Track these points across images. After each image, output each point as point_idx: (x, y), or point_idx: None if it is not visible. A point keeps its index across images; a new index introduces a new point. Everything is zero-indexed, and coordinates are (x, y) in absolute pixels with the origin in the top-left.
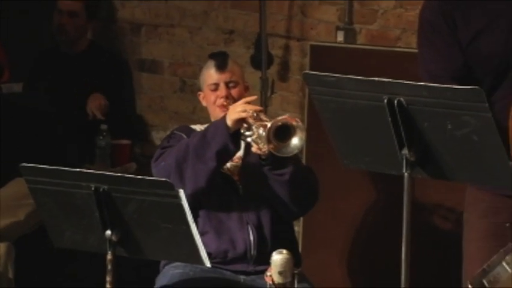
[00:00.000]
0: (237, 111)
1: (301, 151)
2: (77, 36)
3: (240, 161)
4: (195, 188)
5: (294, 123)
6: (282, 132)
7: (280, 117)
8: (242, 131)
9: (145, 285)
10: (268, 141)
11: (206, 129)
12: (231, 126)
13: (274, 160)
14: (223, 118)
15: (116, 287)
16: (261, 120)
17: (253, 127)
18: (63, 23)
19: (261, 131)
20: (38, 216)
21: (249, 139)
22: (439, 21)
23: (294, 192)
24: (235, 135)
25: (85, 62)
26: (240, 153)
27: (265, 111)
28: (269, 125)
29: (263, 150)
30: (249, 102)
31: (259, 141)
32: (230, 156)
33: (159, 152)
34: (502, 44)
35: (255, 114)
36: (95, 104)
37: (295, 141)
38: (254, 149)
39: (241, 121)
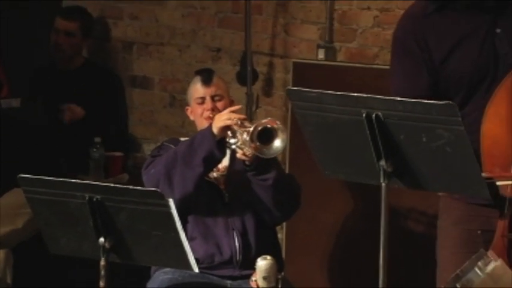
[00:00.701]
0: (222, 119)
1: (284, 162)
2: (73, 54)
3: (226, 171)
4: (183, 193)
5: (275, 125)
6: (265, 135)
7: (262, 121)
8: (227, 138)
9: None
10: (252, 144)
11: (193, 137)
12: (216, 133)
13: (258, 166)
14: (210, 126)
15: None
16: (245, 127)
17: (238, 133)
18: (60, 42)
19: (245, 135)
20: (35, 224)
21: (234, 146)
22: (409, 41)
23: (277, 196)
24: (220, 142)
25: (80, 78)
26: (226, 163)
27: (249, 120)
28: (252, 128)
29: (248, 154)
30: (233, 111)
31: (244, 147)
32: (216, 162)
33: (149, 160)
34: (473, 61)
35: (239, 122)
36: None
37: (277, 143)
38: (239, 154)
39: (226, 128)
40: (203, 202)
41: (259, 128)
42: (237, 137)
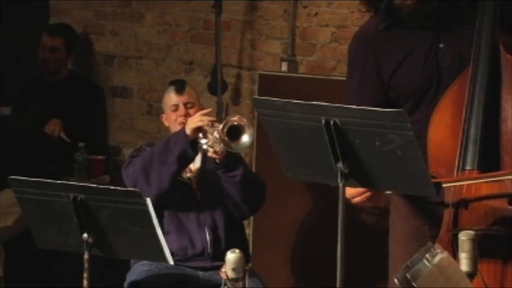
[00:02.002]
0: (194, 121)
1: (251, 163)
2: (58, 67)
3: (198, 172)
4: (160, 189)
5: (242, 122)
6: (234, 132)
7: (231, 118)
8: (199, 139)
9: (117, 281)
10: (222, 140)
11: (168, 138)
12: (189, 134)
13: (227, 163)
14: (183, 128)
15: (92, 284)
16: (215, 126)
17: (209, 133)
18: (46, 57)
19: (215, 134)
20: (24, 221)
21: (205, 146)
22: (359, 57)
23: (244, 192)
24: (193, 142)
25: (65, 88)
26: (198, 165)
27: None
28: (221, 125)
29: (218, 152)
30: (204, 114)
31: (215, 145)
32: (189, 161)
33: (128, 161)
34: (418, 74)
35: (210, 124)
36: (53, 128)
37: (245, 138)
38: (210, 153)
39: (198, 129)
40: (177, 200)
41: (228, 125)
42: (208, 137)
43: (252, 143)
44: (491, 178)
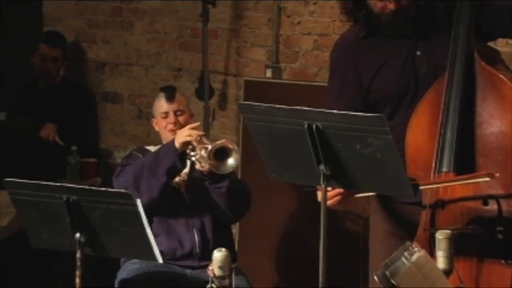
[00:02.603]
0: (183, 135)
1: (237, 167)
2: (56, 75)
3: (186, 177)
4: (149, 199)
5: (231, 146)
6: (221, 153)
7: (219, 141)
8: (187, 151)
9: (108, 279)
10: (209, 161)
11: (158, 150)
12: (178, 147)
13: (214, 176)
14: (173, 141)
15: (84, 281)
16: (203, 143)
17: (197, 149)
18: (48, 67)
19: (203, 152)
20: (18, 222)
21: (193, 158)
22: (340, 64)
23: (230, 202)
24: (182, 155)
25: (59, 94)
26: (186, 170)
27: (207, 135)
28: (210, 147)
29: (205, 168)
30: (193, 128)
31: (202, 161)
32: (178, 173)
33: (119, 169)
34: (396, 80)
35: (198, 138)
36: (48, 132)
37: (231, 161)
38: (197, 166)
39: (187, 144)
40: (166, 203)
41: (216, 148)
42: (196, 151)
43: (236, 166)
44: (465, 181)
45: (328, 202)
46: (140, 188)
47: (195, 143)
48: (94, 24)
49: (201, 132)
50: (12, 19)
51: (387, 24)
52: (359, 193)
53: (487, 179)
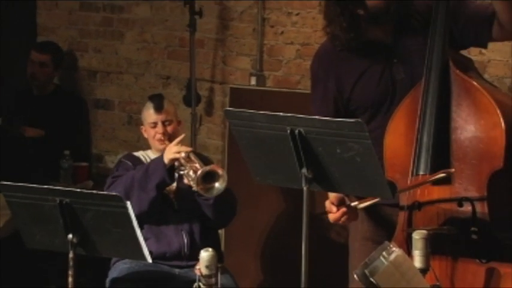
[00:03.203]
0: (172, 152)
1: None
2: (45, 82)
3: (175, 184)
4: (140, 211)
5: (219, 172)
6: (209, 176)
7: (208, 166)
8: (176, 165)
9: (100, 278)
10: (197, 186)
11: (148, 165)
12: (167, 163)
13: None
14: (161, 157)
15: (77, 281)
16: (191, 160)
17: (186, 167)
18: (35, 72)
19: (191, 173)
20: (13, 223)
21: (181, 172)
22: (320, 73)
23: (216, 211)
24: (170, 170)
25: (52, 101)
26: (175, 177)
27: (194, 143)
28: (199, 171)
29: (192, 185)
30: (179, 141)
31: (190, 179)
32: (167, 186)
33: (110, 181)
34: (375, 87)
35: (186, 155)
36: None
37: (217, 185)
38: (185, 181)
39: (175, 160)
40: (156, 210)
41: (205, 172)
42: (184, 166)
43: (223, 190)
44: (428, 180)
45: (341, 220)
46: (131, 201)
47: (182, 160)
48: (86, 34)
49: (189, 149)
50: (8, 29)
51: (373, 16)
52: (347, 194)
53: (444, 175)
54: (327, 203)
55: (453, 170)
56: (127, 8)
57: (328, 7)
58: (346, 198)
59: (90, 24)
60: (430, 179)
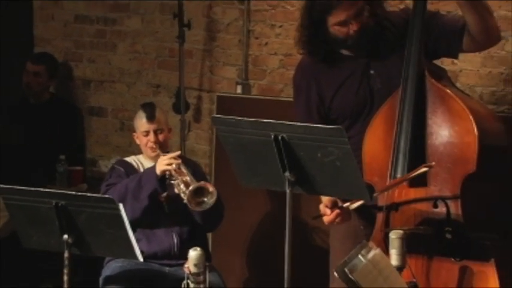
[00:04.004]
0: (163, 163)
1: (210, 173)
2: (40, 91)
3: (166, 191)
4: (133, 219)
5: (210, 189)
6: (199, 191)
7: (199, 183)
8: (167, 176)
9: (93, 276)
10: (189, 202)
11: (141, 175)
12: (159, 174)
13: None
14: (153, 168)
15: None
16: (182, 172)
17: (177, 177)
18: (29, 81)
19: (182, 186)
20: (11, 224)
21: (172, 182)
22: (303, 85)
23: (205, 217)
24: (162, 180)
25: (48, 109)
26: (167, 184)
27: (183, 148)
28: (190, 187)
29: (181, 196)
30: (172, 157)
31: (180, 191)
32: (158, 195)
33: (104, 189)
34: (354, 96)
35: (177, 167)
36: None
37: (207, 200)
38: (176, 191)
39: (166, 171)
40: (149, 216)
41: (195, 188)
42: (175, 176)
43: (212, 205)
44: (410, 175)
45: (336, 221)
46: (125, 209)
47: (173, 172)
48: (80, 45)
49: (179, 161)
50: (5, 40)
51: (353, 45)
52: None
53: (426, 169)
54: (321, 206)
55: (433, 163)
56: (119, 20)
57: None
58: (339, 201)
59: (85, 35)
60: (413, 174)
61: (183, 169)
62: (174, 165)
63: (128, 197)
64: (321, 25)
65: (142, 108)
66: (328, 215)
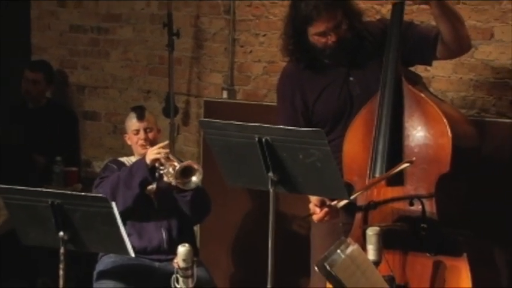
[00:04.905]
0: (153, 153)
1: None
2: (38, 96)
3: (155, 186)
4: (124, 207)
5: (195, 166)
6: (186, 172)
7: (185, 162)
8: (157, 166)
9: (88, 271)
10: (176, 179)
11: (132, 165)
12: (149, 163)
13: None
14: (144, 158)
15: (67, 272)
16: (170, 160)
17: (165, 165)
18: (29, 89)
19: (171, 169)
20: (10, 222)
21: (161, 172)
22: (287, 92)
23: (193, 207)
24: (152, 169)
25: (45, 113)
26: (156, 176)
27: (173, 148)
28: (177, 167)
29: (171, 182)
30: (161, 147)
31: (169, 176)
32: (149, 184)
33: (98, 181)
34: (334, 102)
35: (165, 156)
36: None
37: (194, 179)
38: (165, 179)
39: (156, 160)
40: (138, 209)
41: (182, 167)
42: (164, 166)
43: (199, 183)
44: (391, 172)
45: (325, 219)
46: (117, 198)
47: (163, 160)
48: (75, 53)
49: (167, 150)
50: (5, 48)
51: (330, 55)
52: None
53: (407, 164)
54: (311, 206)
55: (414, 158)
56: (112, 30)
57: (284, 39)
58: (326, 200)
59: (79, 44)
60: (396, 170)
61: (171, 157)
62: (162, 154)
63: (120, 185)
64: (302, 34)
65: (133, 109)
66: (317, 214)
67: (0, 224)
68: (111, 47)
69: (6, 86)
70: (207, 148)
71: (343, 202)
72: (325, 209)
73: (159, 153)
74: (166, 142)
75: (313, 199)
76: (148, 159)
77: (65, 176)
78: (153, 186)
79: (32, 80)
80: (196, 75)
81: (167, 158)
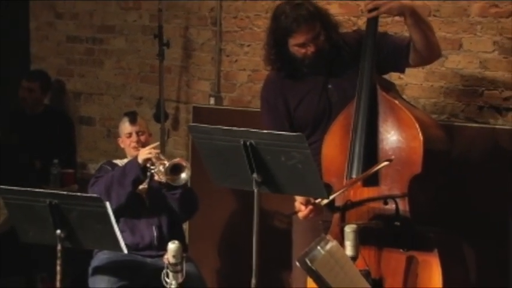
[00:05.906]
0: (145, 153)
1: (188, 179)
2: (35, 104)
3: (147, 186)
4: (118, 205)
5: (184, 163)
6: (175, 169)
7: (174, 159)
8: (148, 165)
9: (83, 267)
10: (166, 176)
11: (125, 165)
12: (141, 163)
13: (169, 184)
14: (136, 158)
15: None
16: (161, 159)
17: (156, 164)
18: (25, 96)
19: (161, 167)
20: (9, 221)
21: (152, 171)
22: (271, 100)
23: (182, 205)
24: (144, 169)
25: (43, 119)
26: (147, 180)
27: (163, 151)
28: (167, 164)
29: (162, 180)
30: (153, 147)
31: (160, 174)
32: (141, 183)
33: (93, 181)
34: (315, 107)
35: (156, 155)
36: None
37: (183, 175)
38: (156, 178)
39: (148, 160)
40: (131, 207)
41: (172, 165)
42: (155, 165)
43: (188, 179)
44: (370, 171)
45: (310, 216)
46: (111, 195)
47: (154, 159)
48: (72, 62)
49: (158, 151)
50: (6, 58)
51: (310, 64)
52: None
53: (387, 163)
54: (297, 204)
55: (393, 157)
56: (106, 40)
57: (267, 49)
58: (311, 198)
59: (75, 53)
60: (375, 168)
61: (162, 157)
62: (154, 154)
63: (114, 184)
64: (283, 45)
65: (126, 114)
66: (302, 211)
67: (0, 223)
68: (106, 56)
69: (7, 94)
70: (195, 151)
71: (326, 201)
72: (310, 207)
73: (150, 153)
74: (157, 143)
75: (299, 198)
76: (140, 159)
77: (61, 178)
78: (144, 186)
79: (28, 88)
80: (185, 83)
81: (158, 158)
